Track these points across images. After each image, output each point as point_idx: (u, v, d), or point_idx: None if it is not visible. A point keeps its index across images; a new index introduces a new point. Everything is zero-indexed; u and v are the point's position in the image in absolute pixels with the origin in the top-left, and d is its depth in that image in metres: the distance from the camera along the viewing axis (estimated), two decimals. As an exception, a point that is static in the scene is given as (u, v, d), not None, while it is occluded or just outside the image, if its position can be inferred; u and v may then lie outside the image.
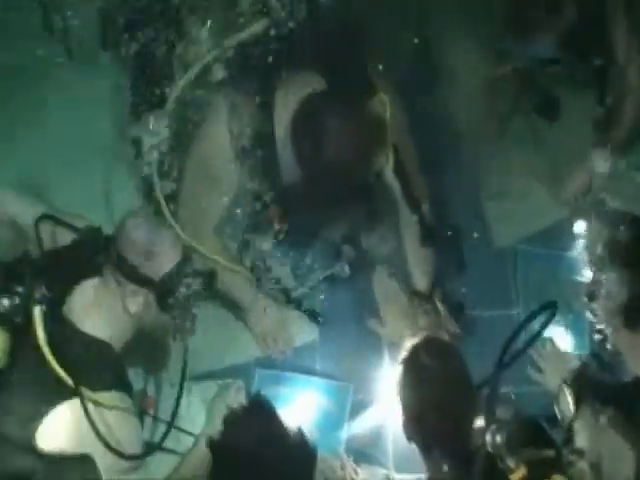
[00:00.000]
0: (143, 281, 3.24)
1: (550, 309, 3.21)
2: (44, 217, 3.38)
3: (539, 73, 4.15)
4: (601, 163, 4.06)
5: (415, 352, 3.27)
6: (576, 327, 3.97)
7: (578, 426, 3.25)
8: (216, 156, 3.76)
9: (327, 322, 4.09)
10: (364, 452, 3.85)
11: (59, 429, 3.25)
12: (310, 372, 4.02)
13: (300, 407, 3.93)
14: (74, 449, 3.27)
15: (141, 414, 3.47)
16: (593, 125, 4.16)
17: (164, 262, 3.29)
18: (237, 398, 3.68)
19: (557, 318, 3.43)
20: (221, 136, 3.71)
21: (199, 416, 3.70)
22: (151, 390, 3.91)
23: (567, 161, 4.26)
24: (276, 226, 3.76)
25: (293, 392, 3.98)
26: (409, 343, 3.38)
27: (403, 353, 3.32)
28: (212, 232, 3.88)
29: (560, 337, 3.97)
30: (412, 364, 3.26)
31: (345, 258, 4.01)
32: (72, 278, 3.36)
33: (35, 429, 3.22)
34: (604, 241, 3.16)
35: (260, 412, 3.03)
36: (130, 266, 3.22)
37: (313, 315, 4.10)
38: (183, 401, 3.62)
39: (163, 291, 3.29)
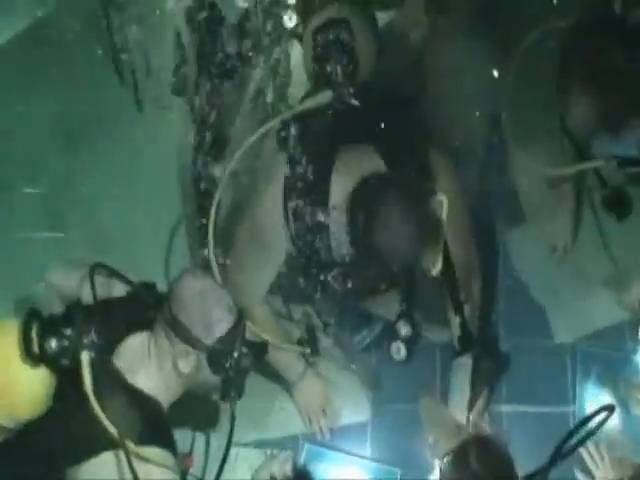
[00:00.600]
0: (196, 343, 3.21)
1: (607, 411, 3.12)
2: (99, 266, 3.38)
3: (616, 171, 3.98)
4: None
5: (464, 453, 3.19)
6: (635, 432, 3.89)
7: None
8: (269, 222, 3.74)
9: (381, 403, 4.08)
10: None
11: (99, 477, 3.22)
12: (359, 453, 3.99)
13: None
14: None
15: (183, 475, 3.41)
16: None
17: (218, 326, 3.26)
18: (283, 469, 3.63)
19: (615, 421, 3.56)
20: (276, 204, 3.70)
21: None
22: (199, 450, 3.88)
23: (633, 266, 4.22)
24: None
25: (340, 471, 3.95)
26: (457, 441, 3.31)
27: (451, 451, 3.24)
28: (260, 302, 3.87)
29: (617, 441, 3.87)
30: (460, 465, 3.18)
31: (401, 337, 3.92)
32: (123, 329, 3.35)
33: (73, 475, 3.21)
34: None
35: None
36: (183, 328, 3.20)
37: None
38: (229, 468, 3.57)
39: (215, 354, 3.26)
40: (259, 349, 3.45)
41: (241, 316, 3.30)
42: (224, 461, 3.33)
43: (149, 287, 3.48)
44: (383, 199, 3.38)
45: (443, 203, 3.50)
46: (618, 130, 3.60)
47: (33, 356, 3.11)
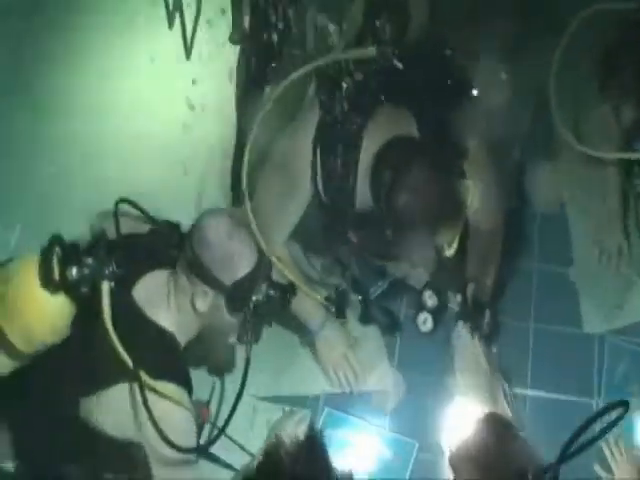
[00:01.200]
0: (215, 284, 3.24)
1: (623, 407, 3.04)
2: (124, 201, 3.43)
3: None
4: None
5: (478, 430, 3.13)
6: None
7: None
8: (298, 163, 3.75)
9: (404, 375, 4.05)
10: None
11: (112, 410, 3.27)
12: (378, 422, 3.98)
13: (362, 455, 3.89)
14: (124, 434, 3.30)
15: (199, 424, 3.47)
16: None
17: (239, 268, 3.28)
18: (299, 428, 3.68)
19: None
20: (307, 147, 3.70)
21: (261, 436, 3.71)
22: (217, 400, 3.90)
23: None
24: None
25: (358, 438, 3.94)
26: (473, 418, 3.26)
27: (465, 428, 3.17)
28: (283, 244, 3.87)
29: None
30: (472, 442, 3.11)
31: (427, 308, 3.99)
32: (144, 265, 3.40)
33: (87, 405, 3.26)
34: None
35: (310, 450, 2.88)
36: (204, 267, 3.23)
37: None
38: (247, 420, 3.69)
39: (234, 296, 3.29)
40: (286, 290, 3.46)
41: (262, 259, 3.32)
42: (235, 406, 3.34)
43: (173, 226, 3.51)
44: (412, 161, 3.40)
45: (470, 188, 3.53)
46: None
47: (53, 282, 3.12)
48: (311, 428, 3.39)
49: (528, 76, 4.15)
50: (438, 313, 4.06)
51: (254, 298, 3.31)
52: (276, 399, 3.96)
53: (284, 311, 3.63)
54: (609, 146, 4.03)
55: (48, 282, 3.11)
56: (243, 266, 3.28)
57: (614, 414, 2.92)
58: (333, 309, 3.81)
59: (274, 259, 3.54)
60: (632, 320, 4.14)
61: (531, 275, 4.36)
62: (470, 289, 4.00)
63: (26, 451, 3.45)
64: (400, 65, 3.58)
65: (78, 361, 3.27)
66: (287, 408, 3.93)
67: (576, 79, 4.07)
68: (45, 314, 3.18)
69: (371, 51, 3.62)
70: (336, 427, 3.94)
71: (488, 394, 3.87)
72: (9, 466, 3.38)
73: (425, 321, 4.00)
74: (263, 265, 3.35)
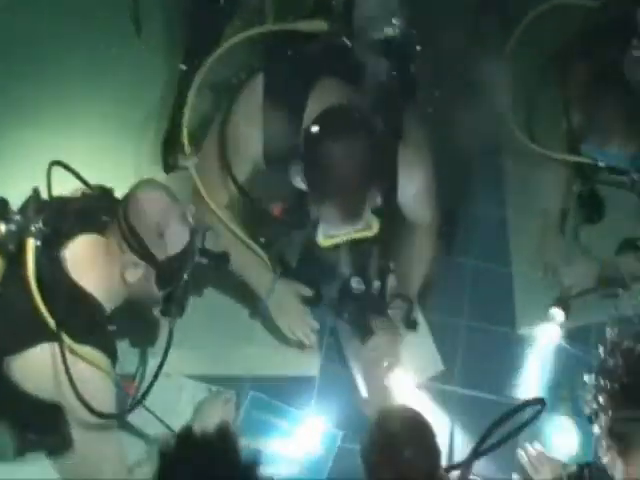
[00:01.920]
0: (148, 257, 3.28)
1: (540, 405, 3.24)
2: (57, 163, 3.45)
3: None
4: None
5: (386, 420, 3.20)
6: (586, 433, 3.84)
7: None
8: (243, 122, 3.77)
9: (330, 364, 4.09)
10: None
11: (33, 370, 3.29)
12: (303, 408, 3.97)
13: (285, 441, 3.90)
14: (45, 394, 3.31)
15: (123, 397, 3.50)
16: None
17: (174, 244, 3.32)
18: (225, 409, 3.74)
19: (569, 421, 3.85)
20: (251, 108, 3.73)
21: (186, 415, 3.73)
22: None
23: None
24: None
25: (282, 423, 3.95)
26: (383, 408, 3.37)
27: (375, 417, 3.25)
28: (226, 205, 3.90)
29: (566, 441, 3.95)
30: (380, 431, 3.18)
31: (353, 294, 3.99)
32: (73, 227, 3.39)
33: (10, 364, 3.27)
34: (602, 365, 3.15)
35: (218, 441, 2.84)
36: (138, 239, 3.27)
37: None
38: (173, 396, 3.70)
39: (165, 271, 3.33)
40: (219, 259, 3.57)
41: (195, 236, 3.39)
42: (155, 377, 3.40)
43: (106, 191, 3.53)
44: (342, 119, 3.48)
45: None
46: (604, 143, 3.89)
47: None
48: (241, 409, 3.73)
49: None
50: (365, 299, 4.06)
51: (185, 275, 3.36)
52: (203, 378, 3.94)
53: (220, 277, 3.76)
54: (557, 147, 4.11)
55: None
56: (177, 243, 3.32)
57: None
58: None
59: (217, 212, 3.74)
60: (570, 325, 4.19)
61: (466, 272, 4.40)
62: (391, 280, 4.07)
63: None
64: (349, 43, 3.67)
65: (2, 318, 3.28)
66: (214, 388, 3.91)
67: (530, 75, 4.14)
68: None
69: (323, 25, 3.72)
70: (260, 411, 3.96)
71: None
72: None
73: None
74: (196, 243, 3.41)
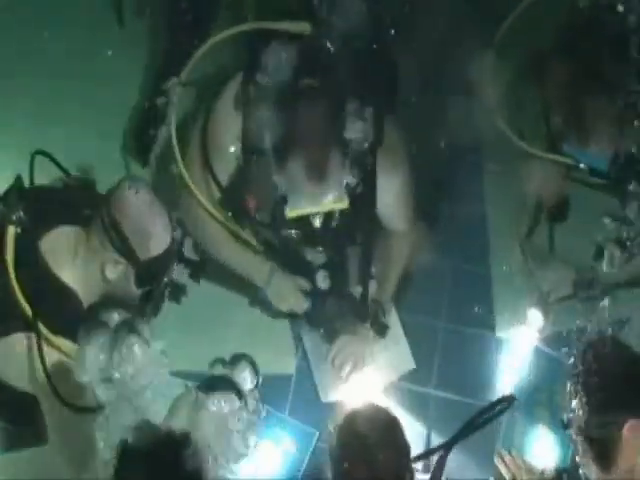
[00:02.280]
0: (130, 256, 3.29)
1: (509, 401, 3.33)
2: (40, 153, 3.53)
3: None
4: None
5: (353, 419, 3.22)
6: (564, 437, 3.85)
7: None
8: (223, 128, 3.83)
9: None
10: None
11: (8, 358, 3.35)
12: (279, 406, 4.08)
13: (261, 439, 3.82)
14: (20, 384, 3.37)
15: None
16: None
17: (156, 245, 3.33)
18: (199, 404, 3.59)
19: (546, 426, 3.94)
20: (232, 111, 3.79)
21: (155, 406, 3.56)
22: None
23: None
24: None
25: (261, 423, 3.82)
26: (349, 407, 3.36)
27: (341, 417, 3.27)
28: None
29: (543, 447, 4.02)
30: (348, 430, 3.21)
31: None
32: (53, 217, 3.42)
33: None
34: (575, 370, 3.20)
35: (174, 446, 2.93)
36: (122, 237, 3.29)
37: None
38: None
39: (146, 271, 3.36)
40: (196, 267, 3.73)
41: (174, 240, 3.44)
42: None
43: (88, 183, 3.57)
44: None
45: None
46: (583, 140, 3.84)
47: None
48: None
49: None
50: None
51: (165, 278, 3.44)
52: (179, 374, 3.93)
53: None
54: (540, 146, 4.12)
55: None
56: (161, 244, 3.35)
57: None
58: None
59: (207, 205, 3.81)
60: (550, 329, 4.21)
61: (446, 274, 4.40)
62: (372, 287, 4.10)
63: None
64: (331, 48, 3.72)
65: None
66: (190, 384, 3.76)
67: (514, 73, 4.11)
68: None
69: (306, 27, 3.76)
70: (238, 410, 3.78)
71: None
72: None
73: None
74: (176, 246, 3.46)
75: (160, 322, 3.61)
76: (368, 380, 4.14)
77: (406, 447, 3.14)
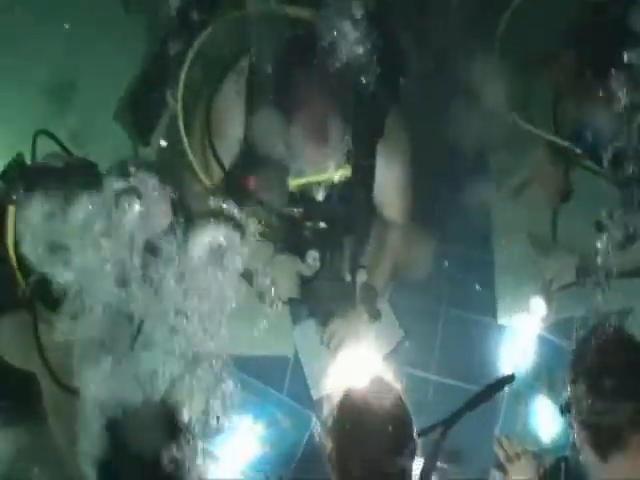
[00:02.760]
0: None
1: (510, 379, 3.44)
2: (43, 132, 3.60)
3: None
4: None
5: (355, 397, 3.24)
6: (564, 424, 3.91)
7: None
8: (228, 111, 3.92)
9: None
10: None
11: (7, 336, 3.46)
12: (276, 387, 4.19)
13: (261, 419, 4.09)
14: (17, 362, 3.46)
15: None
16: None
17: (156, 223, 3.38)
18: (199, 384, 3.67)
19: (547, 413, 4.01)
20: (237, 95, 3.90)
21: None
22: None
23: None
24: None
25: (259, 402, 4.13)
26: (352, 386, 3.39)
27: (344, 395, 3.30)
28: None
29: (543, 433, 4.11)
30: (350, 407, 3.23)
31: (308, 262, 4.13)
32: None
33: None
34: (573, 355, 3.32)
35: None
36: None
37: None
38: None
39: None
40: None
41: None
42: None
43: (90, 165, 3.56)
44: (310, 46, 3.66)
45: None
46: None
47: None
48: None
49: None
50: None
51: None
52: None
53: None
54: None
55: None
56: (159, 220, 3.40)
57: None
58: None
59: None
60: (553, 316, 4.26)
61: (449, 260, 4.42)
62: (362, 275, 4.21)
63: None
64: (334, 32, 3.76)
65: None
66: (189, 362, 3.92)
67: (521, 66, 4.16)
68: None
69: (308, 13, 3.85)
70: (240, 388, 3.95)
71: None
72: None
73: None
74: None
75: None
76: (363, 361, 4.04)
77: (409, 419, 3.16)
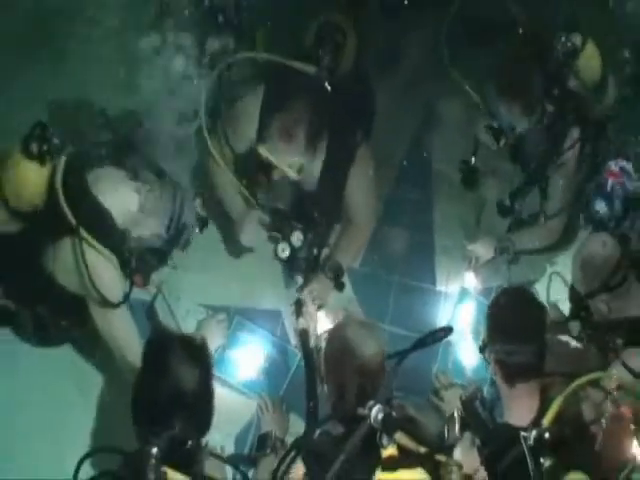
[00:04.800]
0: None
1: (448, 330, 3.69)
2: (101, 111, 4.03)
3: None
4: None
5: (341, 327, 3.56)
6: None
7: (460, 446, 3.70)
8: (246, 114, 4.47)
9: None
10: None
11: (59, 261, 3.80)
12: (272, 332, 4.64)
13: (260, 354, 4.56)
14: (70, 284, 3.83)
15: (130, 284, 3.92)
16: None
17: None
18: (218, 327, 4.34)
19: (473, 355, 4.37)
20: (254, 107, 4.44)
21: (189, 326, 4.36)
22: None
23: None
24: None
25: (259, 343, 4.60)
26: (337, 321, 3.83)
27: (331, 327, 3.68)
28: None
29: (469, 370, 4.57)
30: (338, 335, 3.51)
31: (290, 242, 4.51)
32: (101, 156, 3.92)
33: (45, 256, 3.81)
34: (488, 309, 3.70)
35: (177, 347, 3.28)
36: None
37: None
38: (181, 317, 4.34)
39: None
40: (203, 221, 4.15)
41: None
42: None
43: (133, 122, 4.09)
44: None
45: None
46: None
47: (29, 151, 3.67)
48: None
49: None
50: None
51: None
52: (205, 305, 4.59)
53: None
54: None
55: (25, 152, 3.68)
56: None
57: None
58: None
59: (221, 162, 4.36)
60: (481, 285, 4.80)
61: (399, 240, 5.02)
62: (326, 251, 4.63)
63: (11, 292, 3.98)
64: (329, 88, 4.38)
65: (42, 219, 3.77)
66: (210, 312, 4.52)
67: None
68: (27, 177, 3.72)
69: (312, 69, 4.39)
70: (243, 331, 4.60)
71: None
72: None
73: (284, 250, 4.51)
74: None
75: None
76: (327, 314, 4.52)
77: (384, 344, 3.49)
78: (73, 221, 3.67)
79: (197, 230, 4.12)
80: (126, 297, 3.86)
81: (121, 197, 3.85)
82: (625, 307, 3.88)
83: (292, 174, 4.31)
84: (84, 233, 3.68)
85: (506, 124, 4.42)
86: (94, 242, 3.71)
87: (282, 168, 4.29)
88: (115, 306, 3.80)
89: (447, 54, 4.69)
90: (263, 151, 4.28)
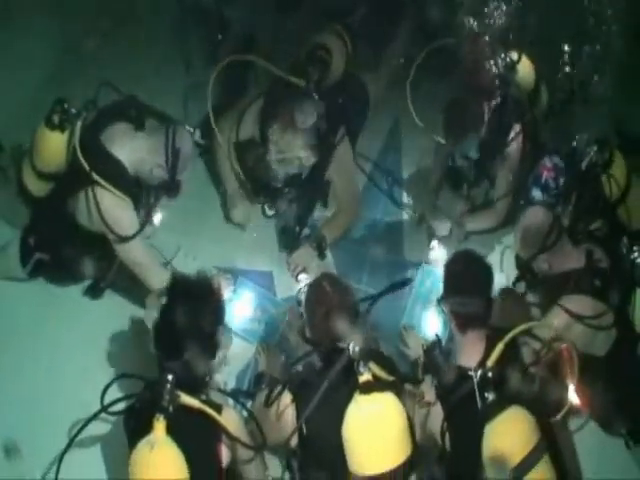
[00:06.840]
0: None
1: (406, 283, 4.32)
2: (107, 83, 4.25)
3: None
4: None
5: (319, 281, 3.89)
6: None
7: (424, 385, 3.90)
8: (247, 123, 4.82)
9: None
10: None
11: (82, 205, 4.07)
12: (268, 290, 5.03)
13: (258, 307, 4.93)
14: (94, 227, 4.09)
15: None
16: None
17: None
18: (225, 282, 4.74)
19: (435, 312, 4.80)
20: (255, 115, 4.81)
21: None
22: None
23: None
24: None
25: (255, 296, 4.99)
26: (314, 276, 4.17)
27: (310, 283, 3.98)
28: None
29: (431, 324, 4.88)
30: (316, 288, 3.86)
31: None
32: (111, 116, 4.18)
33: (71, 204, 4.08)
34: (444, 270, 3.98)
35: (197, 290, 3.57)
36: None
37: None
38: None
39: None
40: (205, 149, 4.79)
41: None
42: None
43: (134, 98, 4.28)
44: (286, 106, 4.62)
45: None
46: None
47: (51, 123, 4.04)
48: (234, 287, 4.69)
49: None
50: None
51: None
52: (215, 267, 5.01)
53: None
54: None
55: (49, 123, 4.05)
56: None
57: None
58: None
59: (224, 145, 4.82)
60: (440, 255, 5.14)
61: (375, 222, 5.43)
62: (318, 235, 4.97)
63: (44, 244, 4.34)
64: (317, 97, 4.72)
65: (66, 178, 4.14)
66: (220, 272, 4.95)
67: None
68: (51, 143, 4.08)
69: (301, 82, 4.77)
70: (246, 290, 5.00)
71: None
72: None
73: (270, 208, 5.04)
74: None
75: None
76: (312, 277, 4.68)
77: (356, 291, 3.93)
78: (88, 169, 3.96)
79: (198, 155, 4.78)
80: (141, 228, 4.18)
81: (130, 147, 4.13)
82: (563, 262, 4.25)
83: (294, 166, 4.70)
84: (100, 179, 3.97)
85: (459, 155, 4.90)
86: (109, 186, 4.00)
87: (285, 159, 4.65)
88: (130, 239, 4.10)
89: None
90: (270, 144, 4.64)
